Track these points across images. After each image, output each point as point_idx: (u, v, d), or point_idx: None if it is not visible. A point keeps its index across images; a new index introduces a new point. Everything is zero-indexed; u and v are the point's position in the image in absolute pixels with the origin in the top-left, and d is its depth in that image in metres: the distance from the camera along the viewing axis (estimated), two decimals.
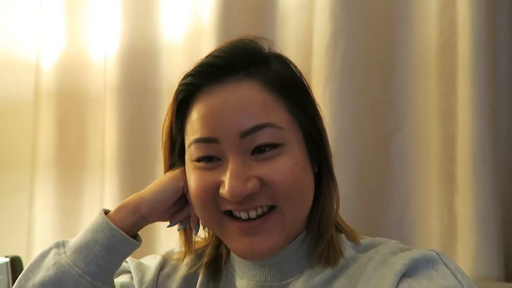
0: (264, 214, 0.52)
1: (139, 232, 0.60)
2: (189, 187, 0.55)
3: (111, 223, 0.56)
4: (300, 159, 0.53)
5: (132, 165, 1.16)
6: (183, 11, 1.16)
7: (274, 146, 0.51)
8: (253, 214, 0.52)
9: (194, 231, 0.60)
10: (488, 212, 0.79)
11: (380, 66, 0.95)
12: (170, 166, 0.60)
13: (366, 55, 0.95)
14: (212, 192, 0.52)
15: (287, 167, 0.51)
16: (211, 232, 0.63)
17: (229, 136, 0.51)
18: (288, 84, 0.54)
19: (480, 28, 0.82)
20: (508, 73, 0.86)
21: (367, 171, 0.94)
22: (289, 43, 1.03)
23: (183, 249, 0.63)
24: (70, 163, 1.26)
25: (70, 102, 1.26)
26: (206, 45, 1.07)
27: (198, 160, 0.53)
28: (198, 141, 0.53)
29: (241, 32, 1.12)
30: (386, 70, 0.95)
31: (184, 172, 0.57)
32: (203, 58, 0.55)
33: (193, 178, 0.54)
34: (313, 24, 0.99)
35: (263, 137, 0.51)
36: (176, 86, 0.56)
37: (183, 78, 0.55)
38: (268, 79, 0.53)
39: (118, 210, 0.58)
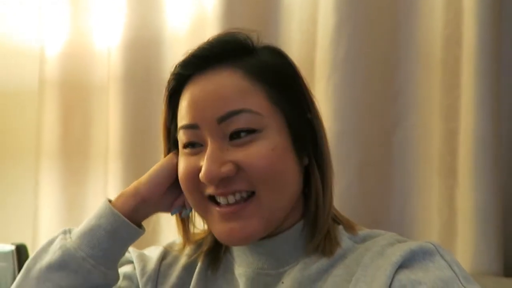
0: (244, 200, 0.53)
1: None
2: (179, 173, 0.57)
3: (114, 209, 0.58)
4: (279, 146, 0.54)
5: (135, 155, 1.17)
6: (187, 1, 1.16)
7: (250, 131, 0.53)
8: (231, 199, 0.53)
9: (187, 210, 0.61)
10: (488, 207, 0.80)
11: (384, 59, 0.94)
12: (168, 154, 0.62)
13: (370, 47, 0.94)
14: (194, 177, 0.54)
15: (263, 152, 0.53)
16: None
17: (207, 121, 0.53)
18: (272, 73, 0.56)
19: (485, 21, 0.81)
20: None
21: (369, 164, 0.94)
22: (292, 35, 1.03)
23: (184, 240, 0.65)
24: (74, 152, 1.27)
25: (75, 91, 1.27)
26: (210, 35, 1.05)
27: (185, 146, 0.56)
28: (183, 127, 0.56)
29: (245, 22, 1.12)
30: (390, 63, 0.94)
31: (177, 153, 0.60)
32: (192, 49, 0.57)
33: (181, 164, 0.57)
34: (317, 16, 0.98)
35: (240, 123, 0.53)
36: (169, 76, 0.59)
37: (174, 69, 0.58)
38: (250, 68, 0.55)
39: (119, 197, 0.60)
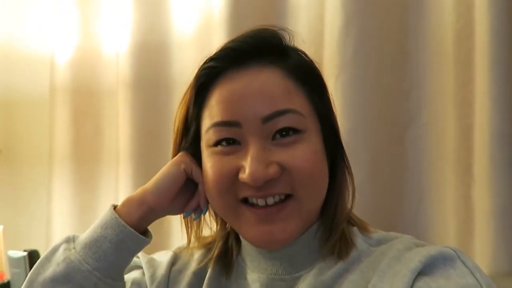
0: (281, 201, 0.52)
1: (150, 229, 0.60)
2: (205, 174, 0.55)
3: (120, 219, 0.55)
4: (318, 148, 0.53)
5: (145, 159, 1.17)
6: (194, 4, 1.16)
7: (295, 131, 0.51)
8: (270, 200, 0.51)
9: (203, 211, 0.59)
10: (507, 205, 0.77)
11: (394, 56, 0.92)
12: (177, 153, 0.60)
13: (379, 44, 0.92)
14: (230, 177, 0.52)
15: (307, 154, 0.51)
16: (219, 226, 0.63)
17: (251, 120, 0.51)
18: (308, 74, 0.55)
19: (498, 14, 0.78)
20: None
21: (381, 163, 0.92)
22: (300, 34, 1.01)
23: (194, 243, 0.64)
24: (86, 158, 1.27)
25: (85, 97, 1.28)
26: (218, 38, 1.06)
27: (216, 144, 0.53)
28: (219, 124, 0.52)
29: (252, 24, 1.10)
30: (400, 60, 0.92)
31: (185, 155, 0.57)
32: (226, 43, 0.55)
33: (210, 164, 0.53)
34: (325, 14, 0.96)
35: (284, 122, 0.51)
36: (195, 71, 0.56)
37: (205, 62, 0.55)
38: (290, 67, 0.53)
39: (124, 204, 0.58)
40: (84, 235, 0.57)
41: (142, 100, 1.18)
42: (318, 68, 0.58)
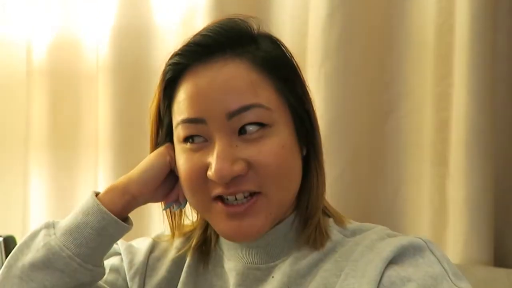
0: (251, 196, 0.52)
1: (130, 215, 0.60)
2: (178, 170, 0.55)
3: (102, 206, 0.55)
4: (288, 142, 0.53)
5: (126, 144, 1.16)
6: None
7: (261, 125, 0.51)
8: (240, 196, 0.52)
9: (182, 205, 0.59)
10: (480, 196, 0.79)
11: (376, 47, 0.93)
12: (156, 146, 0.59)
13: (362, 35, 0.93)
14: (201, 175, 0.52)
15: (274, 149, 0.51)
16: (199, 216, 0.63)
17: (216, 116, 0.50)
18: (277, 64, 0.54)
19: (478, 9, 0.80)
20: (506, 56, 0.85)
21: (361, 152, 0.94)
22: (284, 23, 1.01)
23: (172, 232, 0.64)
24: (64, 142, 1.25)
25: (63, 81, 1.25)
26: (201, 24, 1.04)
27: (185, 139, 0.53)
28: (185, 121, 0.52)
29: (236, 11, 1.09)
30: (383, 51, 0.93)
31: (170, 147, 0.57)
32: (191, 37, 0.54)
33: (182, 161, 0.54)
34: (309, 3, 0.96)
35: (250, 118, 0.51)
36: (163, 66, 0.56)
37: (171, 58, 0.55)
38: (256, 59, 0.52)
39: (107, 192, 0.57)
40: (65, 221, 0.57)
41: (122, 85, 1.17)
42: (291, 54, 0.56)
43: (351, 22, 0.92)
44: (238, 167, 0.50)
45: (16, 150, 1.29)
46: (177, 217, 0.62)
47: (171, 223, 0.62)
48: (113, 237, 0.57)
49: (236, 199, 0.52)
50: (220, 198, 0.53)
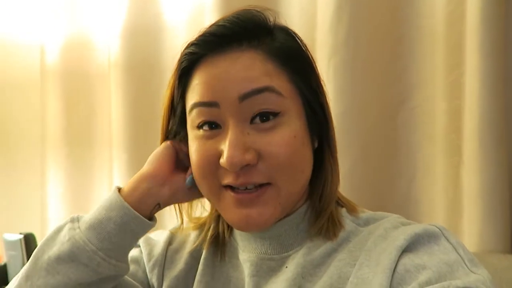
0: (261, 186, 0.52)
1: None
2: (190, 157, 0.56)
3: (124, 202, 0.56)
4: (299, 132, 0.53)
5: (139, 141, 1.17)
6: None
7: (273, 114, 0.51)
8: (250, 186, 0.52)
9: (187, 179, 0.59)
10: (494, 186, 0.79)
11: (386, 38, 0.93)
12: (166, 133, 0.60)
13: (371, 27, 0.92)
14: (213, 162, 0.52)
15: (285, 140, 0.51)
16: (212, 208, 0.64)
17: (229, 99, 0.51)
18: (292, 56, 0.54)
19: None
20: None
21: (373, 145, 0.93)
22: (293, 17, 1.01)
23: (189, 224, 0.65)
24: (79, 141, 1.27)
25: (77, 80, 1.27)
26: (209, 21, 1.04)
27: (199, 126, 0.54)
28: (199, 105, 0.53)
29: (243, 7, 1.10)
30: (392, 42, 0.93)
31: (174, 142, 0.59)
32: (207, 27, 0.55)
33: (195, 148, 0.54)
34: None
35: (262, 102, 0.51)
36: (179, 55, 0.56)
37: (186, 47, 0.55)
38: (271, 49, 0.53)
39: (127, 185, 0.58)
40: (89, 216, 0.57)
41: (134, 83, 1.18)
42: (307, 48, 0.56)
43: (359, 14, 0.92)
44: (249, 156, 0.50)
45: (32, 149, 1.32)
46: (186, 206, 0.63)
47: (179, 211, 0.63)
48: (136, 233, 0.57)
49: (246, 187, 0.52)
50: (230, 186, 0.53)
